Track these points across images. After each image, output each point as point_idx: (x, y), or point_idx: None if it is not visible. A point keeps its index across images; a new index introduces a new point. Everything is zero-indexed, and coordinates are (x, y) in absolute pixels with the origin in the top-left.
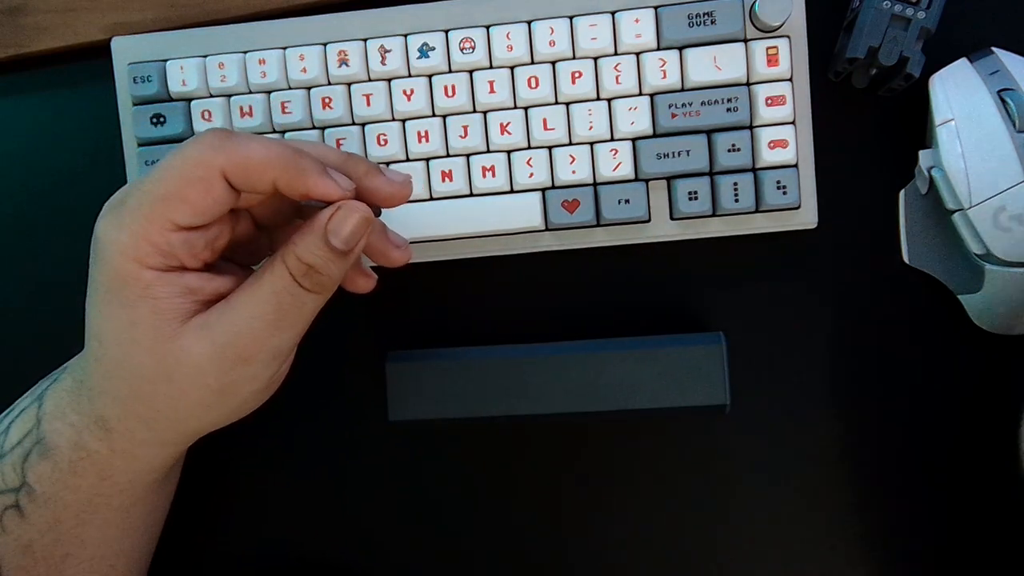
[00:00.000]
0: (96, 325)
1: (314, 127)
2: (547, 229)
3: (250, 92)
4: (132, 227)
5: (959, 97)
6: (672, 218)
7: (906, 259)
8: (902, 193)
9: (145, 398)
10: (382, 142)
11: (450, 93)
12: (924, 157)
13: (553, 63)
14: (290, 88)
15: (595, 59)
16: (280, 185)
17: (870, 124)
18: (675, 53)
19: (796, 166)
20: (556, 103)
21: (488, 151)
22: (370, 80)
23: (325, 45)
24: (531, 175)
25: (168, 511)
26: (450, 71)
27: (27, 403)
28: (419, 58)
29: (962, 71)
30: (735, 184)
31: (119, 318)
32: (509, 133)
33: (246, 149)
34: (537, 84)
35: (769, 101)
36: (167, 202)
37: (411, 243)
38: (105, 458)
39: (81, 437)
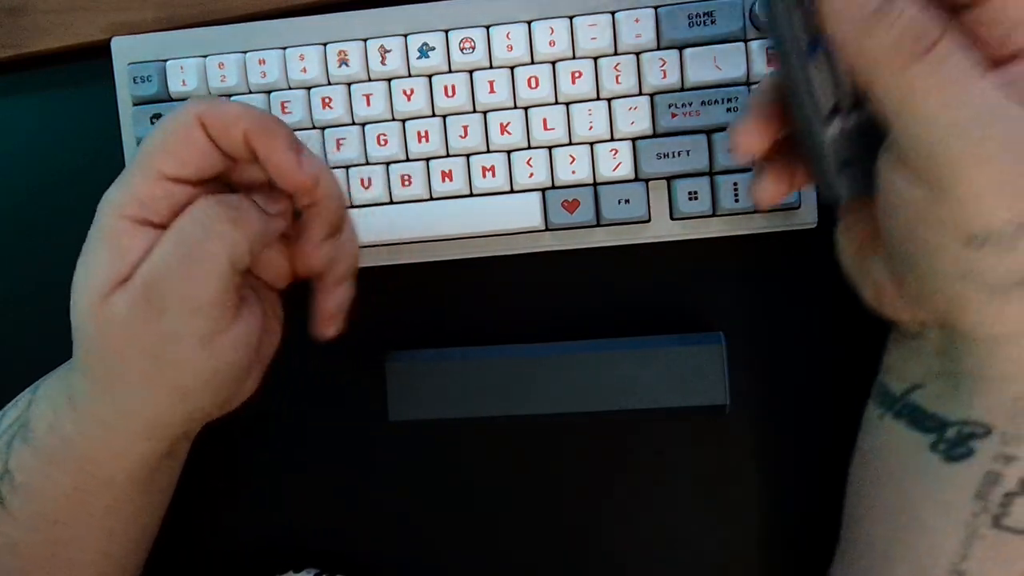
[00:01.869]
0: (88, 266)
1: (314, 127)
2: (547, 229)
3: (250, 92)
4: (127, 183)
5: None
6: (672, 218)
7: None
8: None
9: (94, 367)
10: (382, 142)
11: (450, 93)
12: None
13: (553, 63)
14: (290, 88)
15: (595, 59)
16: (251, 140)
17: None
18: (675, 53)
19: None
20: (556, 103)
21: (488, 151)
22: (370, 80)
23: (325, 45)
24: (531, 175)
25: (161, 522)
26: (450, 71)
27: (27, 392)
28: (419, 58)
29: None
30: (735, 184)
31: (103, 262)
32: (509, 133)
33: (220, 105)
34: (537, 84)
35: None
36: (152, 155)
37: (411, 243)
38: (78, 445)
39: (57, 418)
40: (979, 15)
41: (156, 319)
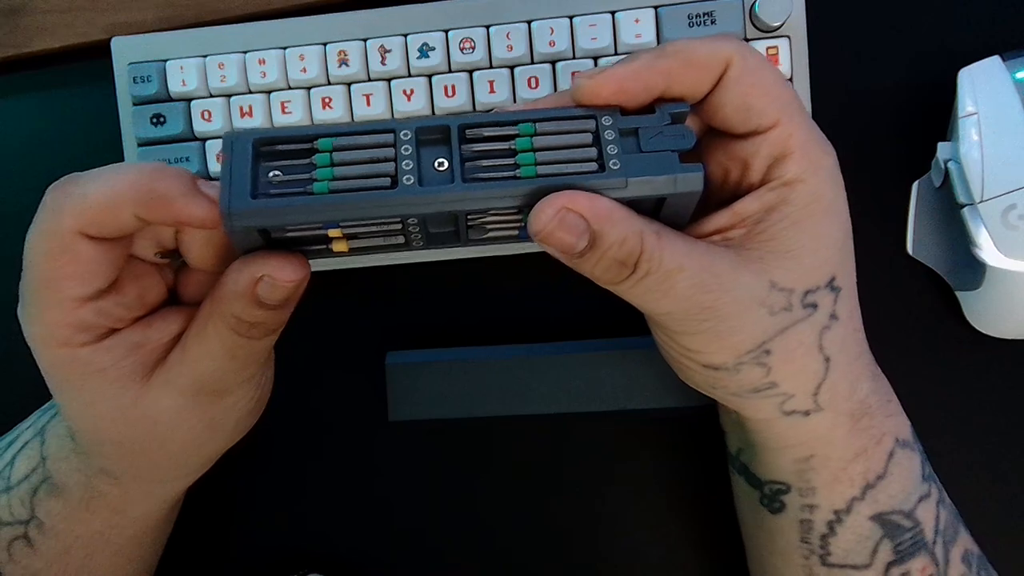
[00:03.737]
0: (62, 406)
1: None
2: None
3: (250, 92)
4: (41, 317)
5: (985, 92)
6: None
7: (910, 251)
8: (915, 184)
9: (137, 457)
10: None
11: (450, 93)
12: (943, 149)
13: (553, 63)
14: (290, 88)
15: (595, 59)
16: (145, 216)
17: (871, 123)
18: None
19: None
20: None
21: None
22: (370, 80)
23: (325, 45)
24: None
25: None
26: (450, 71)
27: (29, 436)
28: (419, 58)
29: (993, 67)
30: None
31: (77, 401)
32: None
33: (89, 196)
34: (537, 84)
35: None
36: (50, 284)
37: None
38: (118, 497)
39: (90, 482)
40: (716, 99)
41: (219, 400)
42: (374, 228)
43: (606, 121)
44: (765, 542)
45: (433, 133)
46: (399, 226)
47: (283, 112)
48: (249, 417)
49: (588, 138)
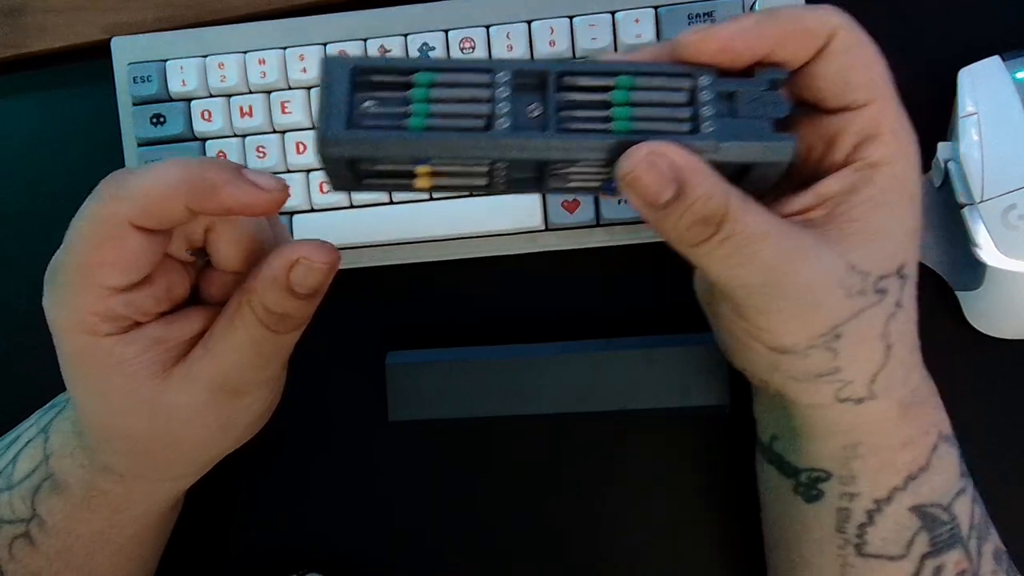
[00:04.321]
0: (75, 397)
1: (314, 127)
2: (547, 229)
3: (250, 92)
4: (70, 303)
5: (985, 92)
6: None
7: None
8: None
9: (146, 453)
10: None
11: None
12: (943, 149)
13: None
14: (290, 88)
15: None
16: (195, 208)
17: None
18: None
19: None
20: None
21: None
22: None
23: (325, 45)
24: None
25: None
26: None
27: (32, 434)
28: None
29: (993, 67)
30: None
31: (94, 390)
32: None
33: (144, 186)
34: None
35: None
36: (89, 271)
37: (411, 243)
38: (119, 496)
39: (93, 479)
40: (815, 69)
41: (236, 400)
42: (461, 168)
43: (704, 81)
44: (798, 532)
45: (530, 77)
46: (486, 168)
47: (283, 112)
48: (260, 420)
49: (684, 97)
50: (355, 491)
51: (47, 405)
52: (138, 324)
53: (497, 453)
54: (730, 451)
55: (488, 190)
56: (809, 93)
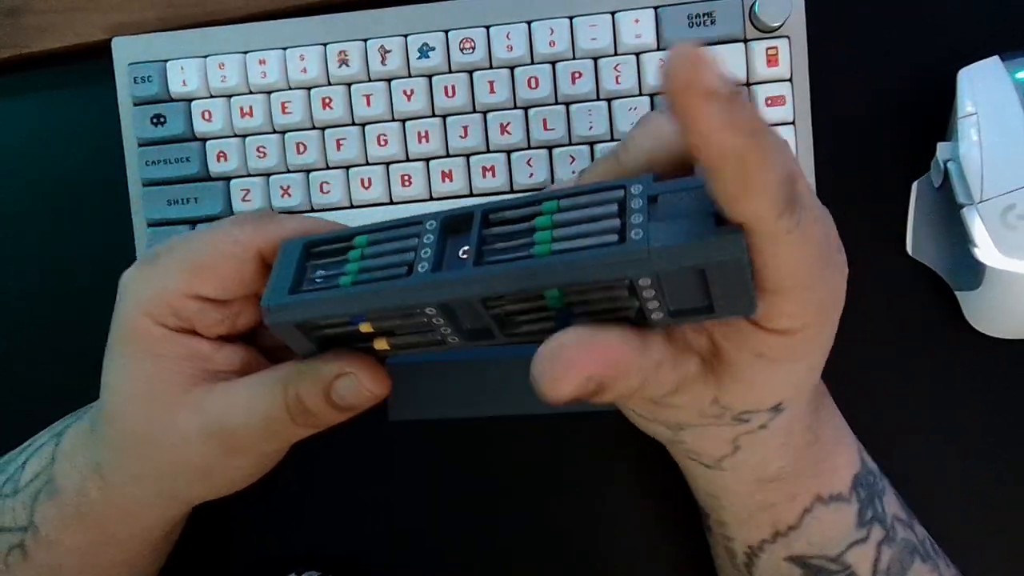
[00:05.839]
0: (106, 371)
1: (314, 127)
2: None
3: (250, 92)
4: (156, 285)
5: (985, 92)
6: None
7: (909, 251)
8: (915, 185)
9: (132, 453)
10: (382, 142)
11: (450, 93)
12: (942, 149)
13: (553, 63)
14: (290, 88)
15: (595, 59)
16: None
17: (871, 123)
18: None
19: None
20: (556, 103)
21: (488, 151)
22: (370, 80)
23: (325, 45)
24: (531, 175)
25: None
26: (450, 71)
27: (45, 439)
28: (419, 58)
29: (992, 68)
30: None
31: (123, 369)
32: (509, 133)
33: (285, 231)
34: (537, 84)
35: (769, 101)
36: (196, 272)
37: None
38: (103, 509)
39: (84, 483)
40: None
41: (225, 458)
42: (400, 322)
43: (635, 189)
44: (713, 556)
45: (460, 221)
46: (425, 319)
47: (283, 112)
48: (238, 484)
49: (613, 208)
50: (355, 491)
51: (72, 413)
52: (194, 333)
53: (497, 453)
54: None
55: (444, 344)
56: None
